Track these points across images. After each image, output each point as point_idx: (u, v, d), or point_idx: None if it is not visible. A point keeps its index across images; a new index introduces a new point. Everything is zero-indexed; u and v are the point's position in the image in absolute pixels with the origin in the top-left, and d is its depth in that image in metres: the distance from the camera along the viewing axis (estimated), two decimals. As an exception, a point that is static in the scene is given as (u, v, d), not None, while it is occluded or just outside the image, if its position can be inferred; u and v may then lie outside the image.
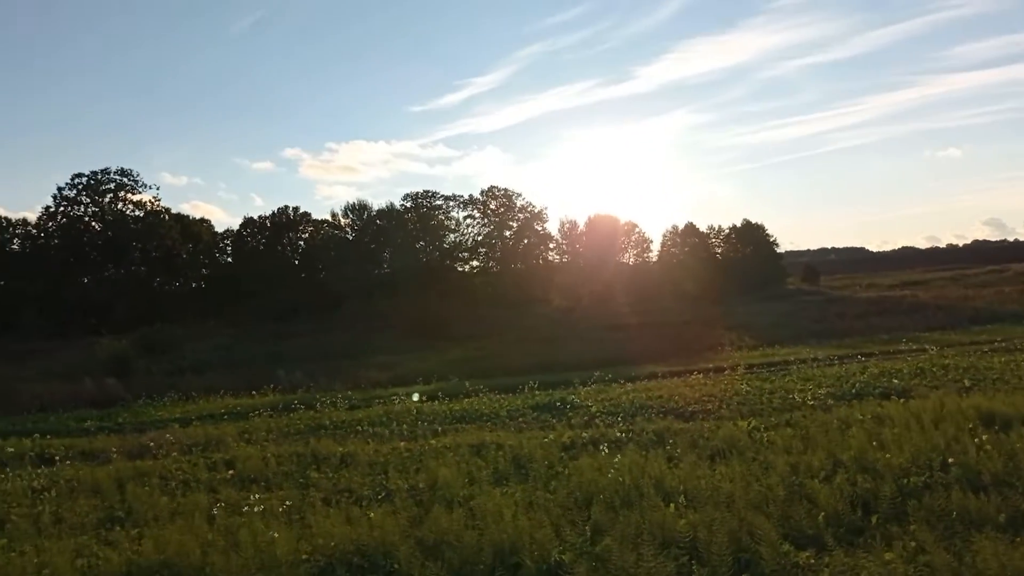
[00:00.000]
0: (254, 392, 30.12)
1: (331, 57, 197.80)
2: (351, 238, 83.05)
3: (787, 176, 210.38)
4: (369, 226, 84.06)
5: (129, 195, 72.16)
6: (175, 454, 12.37)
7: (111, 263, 71.23)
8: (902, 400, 12.08)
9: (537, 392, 19.28)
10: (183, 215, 77.36)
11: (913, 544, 5.28)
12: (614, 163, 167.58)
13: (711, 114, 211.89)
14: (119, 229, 70.61)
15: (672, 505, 6.50)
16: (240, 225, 79.86)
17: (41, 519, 7.94)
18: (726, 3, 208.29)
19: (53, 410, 28.31)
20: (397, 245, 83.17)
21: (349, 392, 22.97)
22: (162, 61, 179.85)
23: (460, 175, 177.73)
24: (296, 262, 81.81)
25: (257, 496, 8.39)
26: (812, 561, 5.23)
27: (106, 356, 34.92)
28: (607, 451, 9.46)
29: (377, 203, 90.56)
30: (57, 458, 12.90)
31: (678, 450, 9.11)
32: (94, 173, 70.45)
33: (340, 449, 11.18)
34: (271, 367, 40.11)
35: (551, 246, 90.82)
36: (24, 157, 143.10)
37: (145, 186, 73.31)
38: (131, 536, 6.95)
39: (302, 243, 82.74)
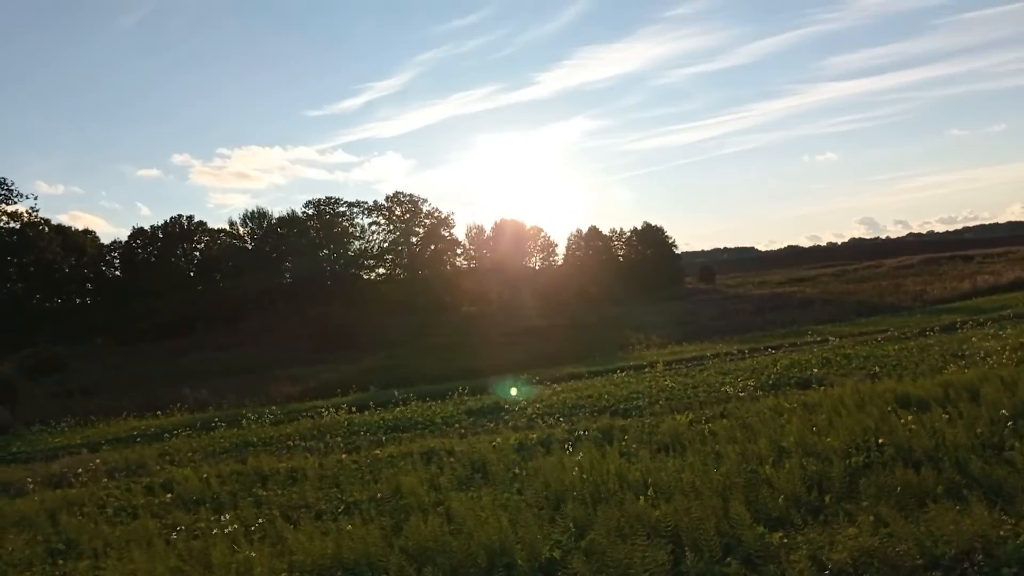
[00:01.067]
0: (159, 412, 28.64)
1: (223, 57, 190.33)
2: (250, 247, 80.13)
3: (681, 180, 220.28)
4: (269, 234, 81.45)
5: (3, 205, 66.80)
6: (103, 480, 11.62)
7: (-17, 279, 65.72)
8: (821, 388, 12.96)
9: (467, 398, 19.31)
10: (64, 226, 72.41)
11: (872, 518, 5.73)
12: (517, 168, 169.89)
13: (608, 120, 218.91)
14: (-9, 242, 65.32)
15: (642, 498, 6.74)
16: (129, 236, 75.71)
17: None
18: (622, 12, 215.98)
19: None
20: (299, 253, 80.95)
21: (274, 407, 22.17)
22: (37, 57, 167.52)
23: (361, 181, 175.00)
24: (191, 273, 78.16)
25: (212, 518, 8.04)
26: (786, 540, 5.58)
27: (-12, 381, 32.19)
28: (559, 451, 9.65)
29: (277, 210, 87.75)
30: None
31: (633, 446, 9.41)
32: (-39, 183, 64.83)
33: (283, 464, 10.84)
34: (172, 385, 38.24)
35: (458, 252, 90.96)
36: None
37: (20, 195, 68.05)
38: (81, 569, 6.52)
39: (197, 253, 79.21)
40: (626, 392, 16.36)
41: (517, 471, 8.96)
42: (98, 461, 13.54)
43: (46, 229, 69.66)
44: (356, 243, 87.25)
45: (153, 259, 75.50)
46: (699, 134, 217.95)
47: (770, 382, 15.30)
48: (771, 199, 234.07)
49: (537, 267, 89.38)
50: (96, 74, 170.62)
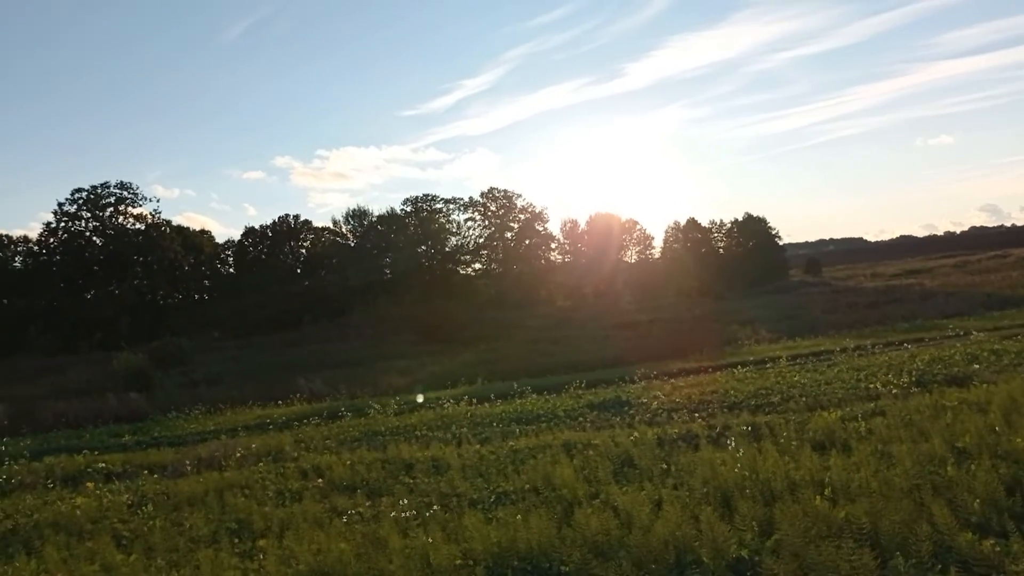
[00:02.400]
0: (279, 401, 29.98)
1: (320, 64, 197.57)
2: (352, 244, 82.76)
3: (782, 169, 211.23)
4: (370, 231, 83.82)
5: (129, 208, 71.69)
6: (251, 464, 12.18)
7: (114, 278, 70.68)
8: (983, 385, 12.05)
9: (581, 392, 19.15)
10: (183, 227, 76.97)
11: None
12: (610, 161, 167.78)
13: (704, 109, 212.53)
14: (120, 243, 70.15)
15: (818, 497, 6.41)
16: (241, 235, 79.64)
17: (153, 533, 7.77)
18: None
19: (79, 426, 28.08)
20: (398, 249, 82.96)
21: (397, 397, 22.75)
22: (152, 72, 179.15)
23: (452, 178, 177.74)
24: (298, 270, 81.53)
25: (367, 503, 8.25)
26: (998, 548, 5.15)
27: (124, 370, 34.60)
28: (707, 447, 9.35)
29: (376, 208, 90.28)
30: (120, 473, 12.70)
31: (793, 443, 8.99)
32: (94, 188, 69.98)
33: (423, 454, 11.03)
34: (286, 376, 39.85)
35: (553, 246, 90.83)
36: (12, 172, 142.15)
37: (145, 199, 72.86)
38: (264, 547, 6.78)
39: (304, 251, 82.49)
40: (753, 388, 15.78)
41: (665, 466, 8.74)
42: (241, 446, 14.22)
43: (167, 230, 74.18)
44: (452, 239, 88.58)
45: (263, 257, 79.17)
46: (800, 120, 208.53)
47: (914, 379, 14.38)
48: (880, 187, 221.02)
49: (633, 261, 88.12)
50: (205, 83, 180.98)
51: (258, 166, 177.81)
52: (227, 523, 7.92)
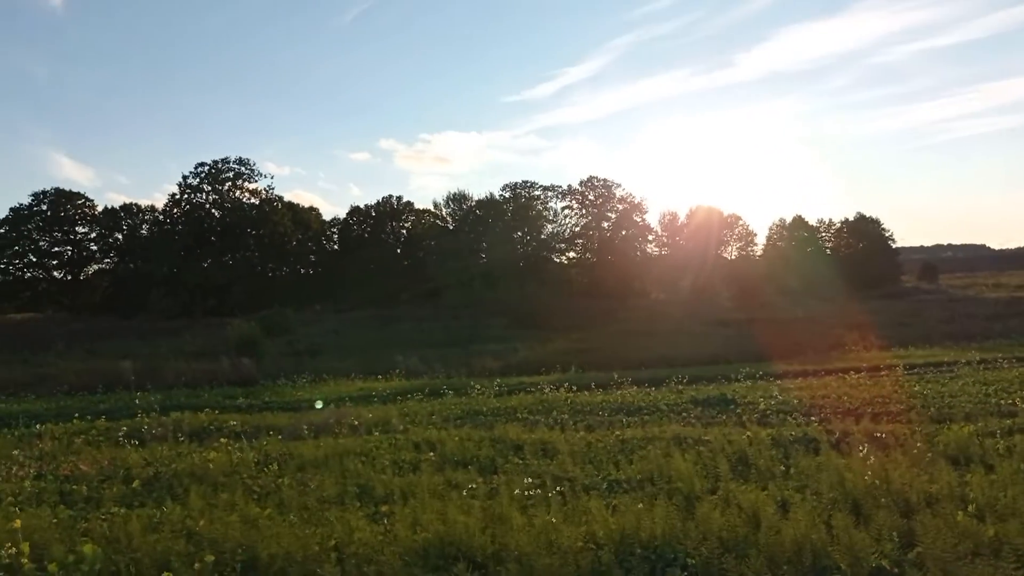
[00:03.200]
0: (379, 376, 31.04)
1: (427, 49, 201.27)
2: (452, 228, 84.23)
3: (900, 167, 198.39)
4: (468, 216, 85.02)
5: (246, 183, 75.47)
6: (363, 433, 12.69)
7: (229, 249, 74.77)
8: None
9: (683, 387, 18.83)
10: (294, 203, 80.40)
11: None
12: (715, 153, 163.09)
13: (818, 102, 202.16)
14: (236, 216, 74.06)
15: (960, 513, 6.07)
16: (347, 213, 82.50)
17: (282, 490, 8.22)
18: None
19: (196, 386, 29.87)
20: (495, 235, 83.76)
21: (499, 380, 23.15)
22: (267, 54, 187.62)
23: (552, 165, 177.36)
24: (398, 250, 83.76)
25: (479, 479, 8.44)
26: None
27: (237, 337, 36.65)
28: (827, 450, 9.02)
29: (476, 193, 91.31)
30: (240, 432, 13.48)
31: (928, 455, 8.54)
32: (215, 162, 74.06)
33: (531, 436, 11.16)
34: (384, 352, 41.15)
35: (650, 238, 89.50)
36: (140, 144, 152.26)
37: (260, 175, 76.51)
38: (390, 512, 7.06)
39: (404, 232, 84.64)
40: (868, 395, 15.06)
41: (784, 468, 8.49)
42: (352, 415, 14.81)
43: (279, 205, 77.70)
44: (549, 226, 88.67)
45: (366, 235, 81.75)
46: (924, 117, 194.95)
47: (1054, 398, 13.34)
48: (1007, 190, 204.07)
49: (733, 257, 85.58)
50: (317, 65, 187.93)
51: (364, 147, 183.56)
52: (349, 487, 8.27)
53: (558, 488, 7.78)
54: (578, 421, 13.54)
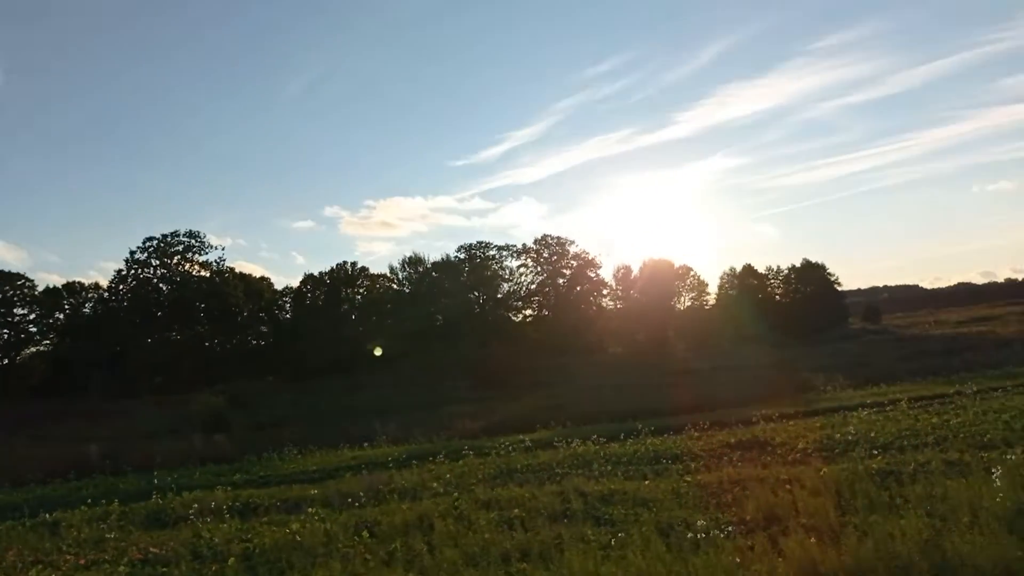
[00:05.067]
0: (366, 444, 30.05)
1: (372, 117, 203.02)
2: (408, 291, 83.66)
3: (832, 215, 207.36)
4: (425, 278, 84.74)
5: (196, 256, 73.67)
6: (427, 498, 12.08)
7: (176, 323, 72.29)
8: None
9: (699, 433, 18.80)
10: (245, 274, 78.68)
11: None
12: (660, 208, 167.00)
13: (751, 156, 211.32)
14: (186, 290, 71.92)
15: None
16: (300, 282, 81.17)
17: (396, 557, 7.71)
18: (763, 48, 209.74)
19: (171, 467, 28.20)
20: (452, 296, 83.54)
21: (523, 436, 22.64)
22: (205, 126, 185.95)
23: (497, 226, 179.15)
24: (353, 316, 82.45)
25: (602, 529, 8.11)
26: None
27: (204, 413, 35.11)
28: (923, 480, 9.05)
29: (432, 255, 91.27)
30: (275, 507, 12.73)
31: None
32: (163, 236, 72.26)
33: (606, 487, 10.85)
34: (352, 420, 40.00)
35: (605, 292, 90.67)
36: (69, 221, 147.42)
37: (211, 247, 74.83)
38: (525, 571, 6.70)
39: (359, 297, 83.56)
40: (895, 429, 15.30)
41: (890, 498, 8.46)
42: (380, 482, 14.18)
43: (230, 277, 75.88)
44: (505, 285, 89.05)
45: (320, 303, 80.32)
46: (851, 167, 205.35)
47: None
48: (936, 233, 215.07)
49: (687, 307, 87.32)
50: (258, 137, 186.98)
51: (308, 216, 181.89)
52: (471, 548, 7.80)
53: (689, 534, 7.53)
54: (627, 472, 13.30)
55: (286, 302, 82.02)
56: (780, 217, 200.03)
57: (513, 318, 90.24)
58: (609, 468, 13.89)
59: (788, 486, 9.59)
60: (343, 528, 9.72)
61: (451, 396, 52.72)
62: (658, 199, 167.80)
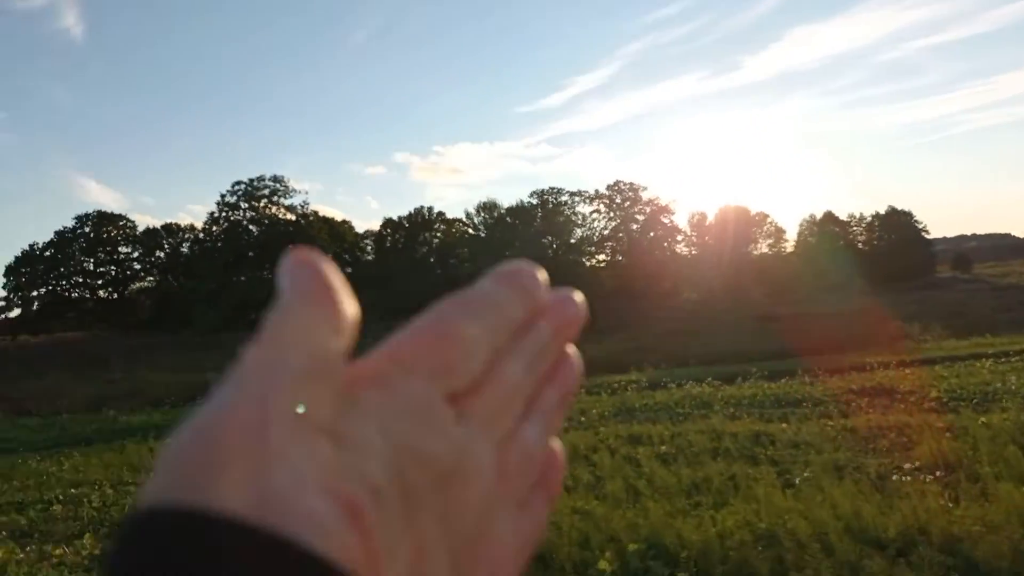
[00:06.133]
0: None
1: (438, 64, 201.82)
2: (483, 236, 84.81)
3: (918, 160, 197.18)
4: (499, 224, 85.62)
5: (281, 200, 76.24)
6: (573, 429, 13.07)
7: (267, 264, 75.46)
8: None
9: (813, 378, 19.17)
10: (329, 218, 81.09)
11: None
12: (734, 154, 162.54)
13: (828, 99, 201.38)
14: (273, 232, 74.79)
15: None
16: (380, 225, 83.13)
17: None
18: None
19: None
20: (526, 241, 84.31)
21: (619, 378, 23.54)
22: (286, 73, 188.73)
23: (564, 172, 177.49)
24: (432, 259, 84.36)
25: (771, 470, 8.84)
26: None
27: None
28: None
29: (505, 201, 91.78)
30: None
31: None
32: (250, 180, 74.89)
33: (751, 428, 11.59)
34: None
35: (679, 239, 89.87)
36: (160, 165, 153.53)
37: (294, 191, 77.25)
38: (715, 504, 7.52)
39: (437, 241, 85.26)
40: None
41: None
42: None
43: (314, 220, 78.43)
44: (578, 231, 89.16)
45: (400, 246, 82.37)
46: (935, 111, 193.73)
47: None
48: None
49: (764, 253, 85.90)
50: (330, 84, 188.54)
51: (379, 161, 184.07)
52: (637, 481, 8.69)
53: (868, 474, 8.20)
54: (760, 412, 13.97)
55: (367, 245, 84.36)
56: (862, 161, 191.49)
57: (586, 263, 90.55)
58: (731, 410, 14.54)
59: (949, 434, 10.07)
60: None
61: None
62: (732, 144, 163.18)
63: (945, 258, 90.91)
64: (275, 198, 75.79)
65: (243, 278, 74.38)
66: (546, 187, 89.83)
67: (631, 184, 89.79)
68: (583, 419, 15.10)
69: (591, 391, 20.06)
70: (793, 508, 6.91)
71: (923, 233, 78.85)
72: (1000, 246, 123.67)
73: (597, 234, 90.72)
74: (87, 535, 8.39)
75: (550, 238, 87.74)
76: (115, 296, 73.34)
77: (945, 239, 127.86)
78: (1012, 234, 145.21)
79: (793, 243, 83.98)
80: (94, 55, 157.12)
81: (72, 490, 11.53)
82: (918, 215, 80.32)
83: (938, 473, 8.20)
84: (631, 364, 34.68)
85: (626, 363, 35.33)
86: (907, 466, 8.72)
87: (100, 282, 72.22)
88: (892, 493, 7.44)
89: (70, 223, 71.32)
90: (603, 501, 7.80)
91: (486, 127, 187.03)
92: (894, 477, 8.21)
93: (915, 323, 43.43)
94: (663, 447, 10.91)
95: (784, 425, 12.20)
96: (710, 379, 19.79)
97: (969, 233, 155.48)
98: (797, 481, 8.01)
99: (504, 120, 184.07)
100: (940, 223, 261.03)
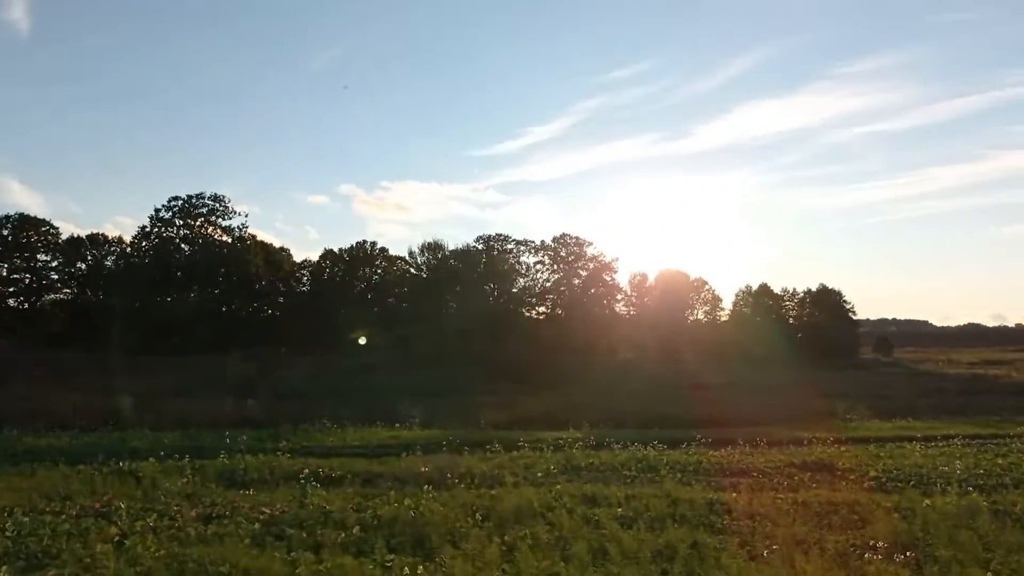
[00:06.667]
0: (397, 424, 30.11)
1: (395, 99, 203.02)
2: (426, 276, 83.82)
3: (847, 243, 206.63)
4: (442, 266, 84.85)
5: (219, 220, 73.84)
6: (508, 487, 12.30)
7: (196, 285, 72.53)
8: None
9: (757, 450, 18.95)
10: (266, 243, 78.86)
11: None
12: (676, 219, 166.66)
13: (774, 176, 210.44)
14: (207, 253, 72.13)
15: None
16: (320, 256, 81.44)
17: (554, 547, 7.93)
18: (790, 67, 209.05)
19: (200, 427, 28.34)
20: (468, 286, 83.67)
21: (562, 435, 22.78)
22: (234, 89, 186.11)
23: (509, 220, 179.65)
24: (369, 296, 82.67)
25: (730, 539, 8.33)
26: None
27: (234, 376, 35.35)
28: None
29: (450, 244, 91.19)
30: (362, 479, 12.96)
31: None
32: (189, 197, 72.43)
33: (695, 496, 11.10)
34: (374, 400, 40.15)
35: (619, 297, 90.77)
36: (90, 173, 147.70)
37: (234, 212, 75.01)
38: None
39: (376, 277, 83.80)
40: (962, 465, 15.49)
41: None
42: (447, 466, 14.43)
43: (251, 245, 76.06)
44: (521, 280, 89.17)
45: (338, 279, 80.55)
46: (871, 196, 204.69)
47: None
48: (949, 271, 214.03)
49: (700, 320, 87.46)
50: (280, 108, 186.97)
51: (323, 191, 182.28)
52: (605, 543, 8.03)
53: (827, 550, 7.75)
54: (708, 481, 13.54)
55: (303, 275, 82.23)
56: (796, 239, 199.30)
57: (526, 314, 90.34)
58: (678, 475, 14.10)
59: (897, 514, 9.80)
60: (452, 510, 9.94)
61: (466, 386, 52.61)
62: (675, 210, 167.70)
63: (868, 340, 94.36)
64: (213, 218, 73.32)
65: (168, 298, 71.16)
66: (493, 233, 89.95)
67: (577, 238, 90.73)
68: (529, 475, 14.42)
69: (534, 446, 19.36)
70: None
71: (850, 313, 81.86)
72: (919, 333, 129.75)
73: (539, 285, 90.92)
74: (3, 568, 7.28)
75: (492, 285, 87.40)
76: (26, 306, 68.93)
77: (868, 321, 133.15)
78: (929, 322, 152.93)
79: (728, 312, 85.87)
80: (28, 48, 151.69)
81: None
82: (846, 296, 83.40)
83: (901, 555, 7.84)
84: (568, 421, 33.93)
85: (562, 419, 34.59)
86: (863, 543, 8.36)
87: (12, 290, 67.78)
88: (856, 572, 7.03)
89: (-13, 224, 66.96)
90: (569, 563, 7.12)
91: (436, 167, 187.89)
92: (855, 554, 7.82)
93: (840, 401, 44.22)
94: (618, 509, 10.35)
95: (735, 494, 11.78)
96: (655, 442, 19.35)
97: (890, 317, 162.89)
98: (765, 553, 7.49)
99: (455, 162, 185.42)
100: (864, 304, 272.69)
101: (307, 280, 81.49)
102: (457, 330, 79.00)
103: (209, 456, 16.18)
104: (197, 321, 69.81)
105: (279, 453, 16.49)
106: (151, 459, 14.94)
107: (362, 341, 74.68)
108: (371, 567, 6.69)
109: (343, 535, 8.37)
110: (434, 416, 34.82)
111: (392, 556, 7.29)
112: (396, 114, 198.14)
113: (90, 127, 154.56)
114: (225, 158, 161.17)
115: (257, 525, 8.81)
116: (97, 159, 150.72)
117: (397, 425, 30.02)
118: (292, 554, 7.30)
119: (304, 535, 8.23)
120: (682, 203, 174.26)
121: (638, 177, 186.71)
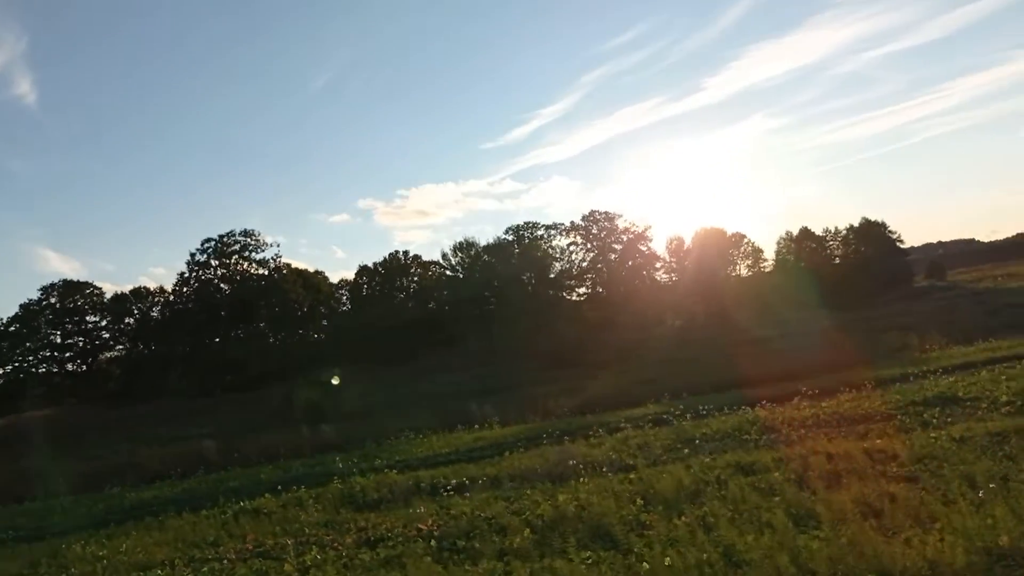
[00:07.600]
0: (475, 426, 29.91)
1: (398, 106, 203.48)
2: (462, 276, 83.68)
3: (877, 172, 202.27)
4: (477, 262, 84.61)
5: (253, 254, 74.45)
6: (641, 468, 11.94)
7: (240, 322, 73.23)
8: None
9: (854, 394, 18.32)
10: (303, 269, 79.35)
11: None
12: (699, 177, 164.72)
13: (789, 116, 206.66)
14: (245, 288, 72.78)
15: None
16: (356, 273, 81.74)
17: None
18: (788, 4, 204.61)
19: (280, 458, 28.65)
20: (505, 280, 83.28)
21: (651, 411, 22.36)
22: (238, 127, 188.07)
23: (531, 207, 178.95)
24: (410, 304, 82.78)
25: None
26: None
27: (305, 404, 35.56)
28: None
29: (483, 240, 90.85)
30: (463, 485, 12.66)
31: None
32: (221, 236, 73.12)
33: (864, 445, 10.63)
34: (437, 405, 40.03)
35: (658, 265, 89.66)
36: (117, 229, 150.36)
37: (266, 244, 75.54)
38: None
39: (414, 285, 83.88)
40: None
41: None
42: (576, 455, 14.10)
43: (287, 273, 76.59)
44: (556, 264, 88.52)
45: (376, 293, 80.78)
46: (892, 121, 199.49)
47: None
48: (986, 184, 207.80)
49: (744, 275, 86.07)
50: (288, 134, 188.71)
51: (342, 209, 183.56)
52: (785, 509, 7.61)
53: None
54: (848, 432, 13.03)
55: (343, 294, 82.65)
56: (826, 176, 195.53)
57: (567, 297, 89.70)
58: (803, 431, 13.62)
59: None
60: (607, 499, 9.59)
61: (524, 378, 52.26)
62: (698, 167, 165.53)
63: (918, 267, 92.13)
64: (246, 253, 73.93)
65: (216, 339, 72.01)
66: (520, 222, 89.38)
67: (606, 213, 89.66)
68: (650, 454, 14.05)
69: (635, 425, 18.95)
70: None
71: (898, 243, 79.83)
72: (967, 252, 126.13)
73: (576, 267, 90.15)
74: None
75: (529, 274, 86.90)
76: (83, 368, 70.28)
77: (914, 248, 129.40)
78: (977, 239, 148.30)
79: (772, 262, 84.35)
80: (38, 119, 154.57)
81: (141, 573, 10.13)
82: (891, 226, 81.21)
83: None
84: (641, 397, 33.29)
85: (635, 396, 34.04)
86: None
87: (68, 354, 69.17)
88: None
89: (34, 295, 68.49)
90: (773, 531, 6.70)
91: (450, 166, 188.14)
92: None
93: (911, 334, 43.09)
94: (776, 474, 9.89)
95: (880, 440, 11.25)
96: (741, 405, 18.87)
97: (935, 241, 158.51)
98: (981, 493, 7.01)
99: (467, 158, 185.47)
100: (907, 231, 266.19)
101: (346, 299, 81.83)
102: (501, 324, 78.81)
103: (310, 484, 16.07)
104: (248, 357, 70.54)
105: (386, 470, 16.32)
106: (266, 495, 14.87)
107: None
108: (580, 567, 6.34)
109: (517, 539, 8.08)
110: (505, 412, 34.55)
111: (587, 553, 6.95)
112: (401, 121, 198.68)
113: (107, 186, 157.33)
114: (241, 193, 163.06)
115: (421, 542, 8.56)
116: (121, 216, 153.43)
117: (476, 427, 29.83)
118: (480, 565, 7.01)
119: (477, 545, 7.96)
120: (704, 160, 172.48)
121: (654, 141, 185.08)
